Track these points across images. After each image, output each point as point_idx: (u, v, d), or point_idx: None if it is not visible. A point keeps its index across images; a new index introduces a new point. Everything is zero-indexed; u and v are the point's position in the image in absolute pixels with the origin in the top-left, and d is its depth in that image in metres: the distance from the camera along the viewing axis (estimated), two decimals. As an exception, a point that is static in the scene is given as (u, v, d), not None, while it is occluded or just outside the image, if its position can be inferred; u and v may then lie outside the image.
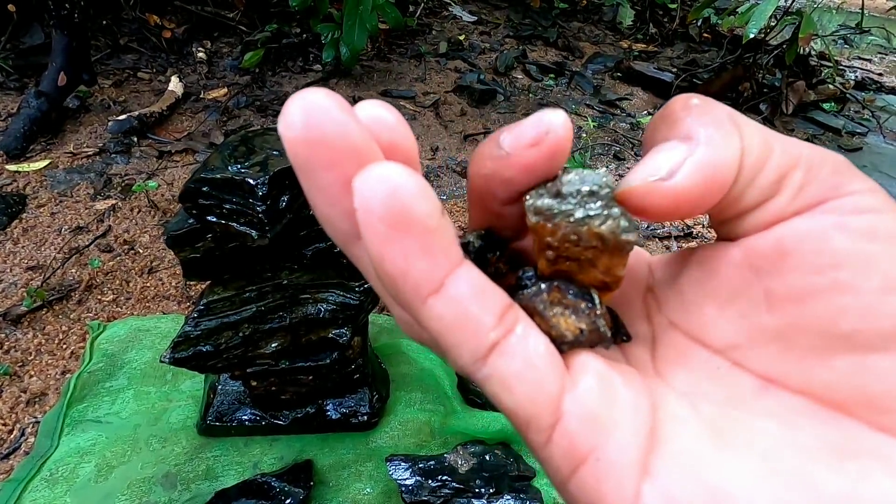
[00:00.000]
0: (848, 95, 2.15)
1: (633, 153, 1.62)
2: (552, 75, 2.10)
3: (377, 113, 0.14)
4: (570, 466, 0.13)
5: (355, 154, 0.12)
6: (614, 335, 0.16)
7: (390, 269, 0.12)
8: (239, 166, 0.51)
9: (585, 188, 0.14)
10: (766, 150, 0.14)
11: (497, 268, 0.16)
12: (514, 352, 0.13)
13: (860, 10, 1.99)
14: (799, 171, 0.14)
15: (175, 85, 1.57)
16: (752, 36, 1.66)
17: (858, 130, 2.01)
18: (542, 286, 0.15)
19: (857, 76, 2.52)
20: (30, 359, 0.82)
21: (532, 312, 0.14)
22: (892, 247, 0.13)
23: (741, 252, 0.15)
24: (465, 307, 0.12)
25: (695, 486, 0.13)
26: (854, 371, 0.13)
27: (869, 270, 0.13)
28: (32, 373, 0.80)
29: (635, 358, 0.16)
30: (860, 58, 2.85)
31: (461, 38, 2.28)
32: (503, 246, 0.17)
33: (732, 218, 0.15)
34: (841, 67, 2.46)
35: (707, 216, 0.15)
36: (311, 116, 0.12)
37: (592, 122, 1.69)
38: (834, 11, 3.17)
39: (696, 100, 0.14)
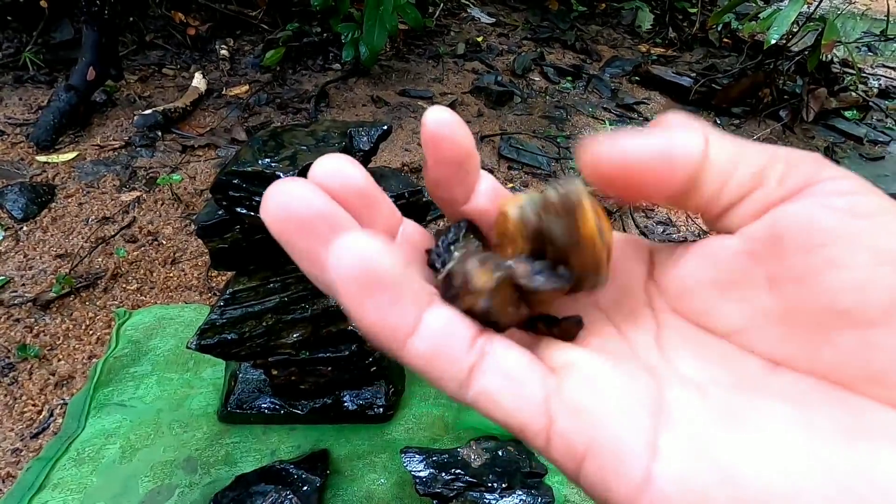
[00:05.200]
0: (871, 104, 2.12)
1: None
2: (569, 78, 2.10)
3: (343, 174, 0.16)
4: (574, 463, 0.14)
5: (322, 229, 0.14)
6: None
7: (367, 322, 0.14)
8: (269, 160, 0.52)
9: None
10: (738, 151, 0.16)
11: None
12: (492, 370, 0.14)
13: (886, 17, 1.96)
14: (780, 164, 0.15)
15: (198, 81, 1.60)
16: (773, 42, 1.64)
17: (881, 139, 1.98)
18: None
19: (880, 84, 2.48)
20: (58, 343, 0.84)
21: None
22: (873, 223, 0.14)
23: (739, 241, 0.16)
24: (438, 341, 0.14)
25: (707, 465, 0.13)
26: (857, 347, 0.13)
27: (856, 246, 0.13)
28: (61, 356, 0.82)
29: (639, 345, 0.17)
30: (885, 65, 2.79)
31: (479, 39, 2.29)
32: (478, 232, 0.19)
33: (720, 213, 0.16)
34: (864, 75, 2.42)
35: (701, 218, 0.17)
36: (282, 202, 0.14)
37: (609, 125, 1.69)
38: (858, 18, 3.12)
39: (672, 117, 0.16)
